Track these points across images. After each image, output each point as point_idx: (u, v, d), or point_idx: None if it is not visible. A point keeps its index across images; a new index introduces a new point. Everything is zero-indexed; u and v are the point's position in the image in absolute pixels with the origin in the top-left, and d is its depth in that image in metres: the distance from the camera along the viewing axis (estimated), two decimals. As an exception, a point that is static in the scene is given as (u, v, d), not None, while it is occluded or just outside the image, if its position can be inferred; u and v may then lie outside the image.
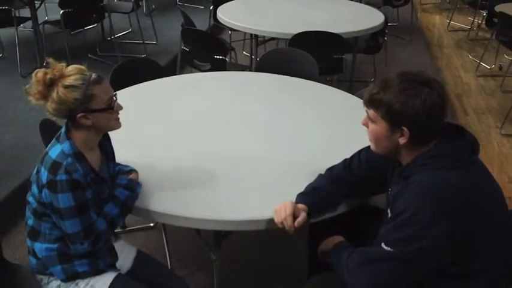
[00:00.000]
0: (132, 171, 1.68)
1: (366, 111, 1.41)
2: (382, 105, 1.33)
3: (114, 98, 1.49)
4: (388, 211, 1.42)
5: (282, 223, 1.50)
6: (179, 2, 6.85)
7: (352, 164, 1.65)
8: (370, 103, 1.37)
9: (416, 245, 1.27)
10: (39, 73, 1.41)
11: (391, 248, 1.31)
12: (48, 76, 1.40)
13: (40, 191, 1.44)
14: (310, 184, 1.63)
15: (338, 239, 1.58)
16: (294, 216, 1.49)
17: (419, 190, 1.29)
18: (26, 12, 4.52)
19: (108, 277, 1.58)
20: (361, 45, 3.97)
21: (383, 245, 1.33)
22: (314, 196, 1.58)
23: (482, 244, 1.32)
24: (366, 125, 1.43)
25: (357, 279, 1.38)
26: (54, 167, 1.41)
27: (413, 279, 1.34)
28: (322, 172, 1.68)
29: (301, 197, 1.58)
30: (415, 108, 1.29)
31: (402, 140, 1.34)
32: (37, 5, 4.48)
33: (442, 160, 1.32)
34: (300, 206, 1.54)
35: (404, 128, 1.32)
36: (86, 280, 1.55)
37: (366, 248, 1.42)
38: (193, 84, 2.58)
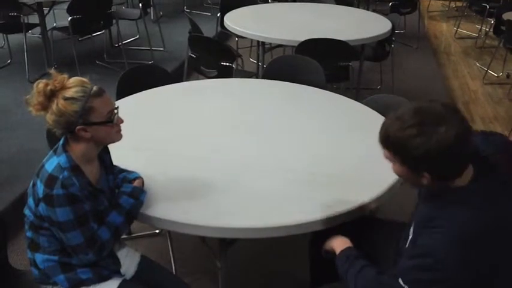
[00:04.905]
0: (137, 178, 1.68)
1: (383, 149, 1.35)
2: (398, 153, 1.28)
3: (115, 111, 1.48)
4: (411, 230, 1.39)
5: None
6: (186, 9, 6.89)
7: None
8: (386, 146, 1.31)
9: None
10: (40, 84, 1.40)
11: None
12: (49, 87, 1.39)
13: (36, 205, 1.43)
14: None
15: (345, 243, 1.57)
16: None
17: (448, 235, 1.24)
18: (34, 19, 4.56)
19: (113, 284, 1.58)
20: (368, 52, 3.96)
21: (401, 281, 1.29)
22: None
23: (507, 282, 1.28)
24: (386, 158, 1.36)
25: None
26: (50, 180, 1.39)
27: None
28: (328, 181, 1.66)
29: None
30: (431, 153, 1.22)
31: (426, 182, 1.29)
32: (46, 12, 4.52)
33: (476, 200, 1.27)
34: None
35: (425, 173, 1.27)
36: (91, 287, 1.55)
37: (382, 276, 1.39)
38: (200, 90, 2.59)
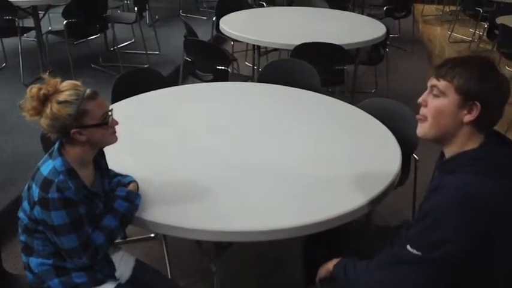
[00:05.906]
0: (132, 182, 1.67)
1: (433, 86, 1.34)
2: (460, 77, 1.29)
3: (110, 113, 1.48)
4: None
5: None
6: (182, 12, 6.90)
7: None
8: (445, 73, 1.31)
9: (444, 249, 1.24)
10: (34, 89, 1.39)
11: (417, 251, 1.28)
12: (42, 92, 1.39)
13: (31, 208, 1.43)
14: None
15: (336, 260, 1.58)
16: None
17: (451, 193, 1.25)
18: (29, 22, 4.56)
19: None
20: (362, 56, 3.98)
21: (409, 247, 1.30)
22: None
23: (509, 256, 1.28)
24: (423, 101, 1.37)
25: (379, 278, 1.36)
26: (46, 184, 1.39)
27: (438, 285, 1.30)
28: (324, 184, 1.67)
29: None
30: (492, 86, 1.28)
31: (468, 118, 1.30)
32: (41, 15, 4.52)
33: (483, 164, 1.28)
34: None
35: (477, 103, 1.28)
36: (86, 291, 1.54)
37: (392, 249, 1.41)
38: (195, 94, 2.59)
